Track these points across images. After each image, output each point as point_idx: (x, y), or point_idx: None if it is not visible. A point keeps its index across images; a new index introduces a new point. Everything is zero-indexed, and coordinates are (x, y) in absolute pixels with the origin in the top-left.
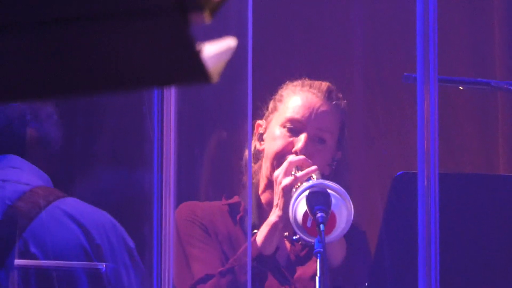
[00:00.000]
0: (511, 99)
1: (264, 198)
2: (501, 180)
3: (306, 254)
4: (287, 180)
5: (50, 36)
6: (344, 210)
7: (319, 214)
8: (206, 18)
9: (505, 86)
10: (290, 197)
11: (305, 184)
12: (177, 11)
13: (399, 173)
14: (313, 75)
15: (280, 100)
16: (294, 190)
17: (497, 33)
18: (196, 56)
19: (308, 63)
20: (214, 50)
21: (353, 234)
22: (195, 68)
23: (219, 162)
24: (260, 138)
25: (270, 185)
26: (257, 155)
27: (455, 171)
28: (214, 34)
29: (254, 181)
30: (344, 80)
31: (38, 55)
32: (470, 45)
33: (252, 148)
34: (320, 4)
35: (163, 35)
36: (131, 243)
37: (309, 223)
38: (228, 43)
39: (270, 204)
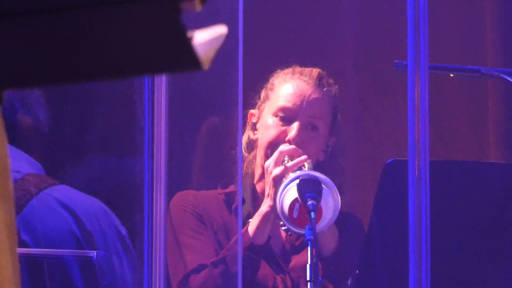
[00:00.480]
0: (502, 86)
1: (259, 187)
2: (491, 167)
3: (301, 243)
4: (278, 170)
5: (39, 24)
6: (330, 201)
7: (309, 202)
8: (197, 5)
9: (495, 73)
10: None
11: (292, 175)
12: None
13: (389, 160)
14: (305, 63)
15: (271, 89)
16: (284, 179)
17: (488, 20)
18: (187, 43)
19: (300, 51)
20: (205, 38)
21: (350, 222)
22: (186, 55)
23: (211, 150)
24: (254, 128)
25: (265, 174)
26: (251, 145)
27: (446, 159)
28: (205, 21)
29: (249, 170)
30: (336, 67)
31: (27, 43)
32: (461, 32)
33: (246, 138)
34: None
35: (154, 22)
36: (123, 231)
37: (295, 214)
38: (219, 30)
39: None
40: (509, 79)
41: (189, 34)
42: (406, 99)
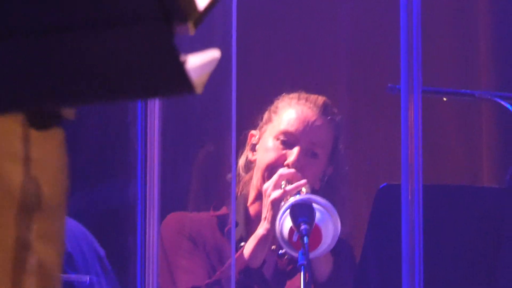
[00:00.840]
0: (496, 110)
1: (252, 209)
2: (485, 191)
3: (293, 268)
4: (276, 193)
5: (30, 47)
6: (330, 225)
7: (302, 226)
8: (191, 29)
9: (489, 97)
10: (279, 210)
11: (292, 199)
12: (161, 22)
13: (383, 184)
14: (298, 86)
15: (275, 112)
16: (282, 203)
17: (482, 44)
18: (180, 67)
19: (293, 74)
20: (198, 62)
21: (341, 248)
22: (179, 79)
23: (204, 172)
24: (253, 149)
25: (259, 196)
26: (249, 166)
27: (439, 183)
28: (198, 45)
29: (243, 192)
30: (329, 90)
31: (19, 66)
32: (455, 56)
33: (244, 158)
34: (306, 14)
35: (147, 45)
36: (102, 252)
37: (295, 238)
38: (212, 54)
39: (258, 216)
40: (503, 103)
41: (182, 58)
42: (399, 123)
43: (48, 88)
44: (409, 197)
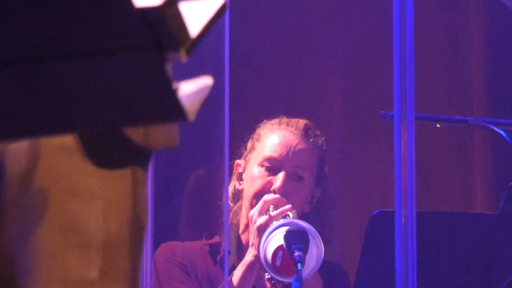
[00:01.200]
0: (489, 136)
1: (244, 238)
2: (478, 218)
3: None
4: (262, 219)
5: (21, 75)
6: (314, 249)
7: (296, 253)
8: (183, 56)
9: (482, 123)
10: None
11: (276, 223)
12: (153, 50)
13: (376, 211)
14: (291, 113)
15: (258, 139)
16: (268, 228)
17: (475, 70)
18: (172, 95)
19: (286, 101)
20: (191, 89)
21: (335, 272)
22: (171, 106)
23: (197, 201)
24: (240, 178)
25: (249, 224)
26: (237, 195)
27: (433, 209)
28: (191, 72)
29: (234, 221)
30: (322, 118)
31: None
32: (448, 83)
33: (232, 188)
34: (298, 41)
35: (140, 73)
36: None
37: (278, 262)
38: (205, 81)
39: None
40: (496, 129)
41: (174, 85)
42: (393, 149)
43: (39, 117)
44: (403, 224)
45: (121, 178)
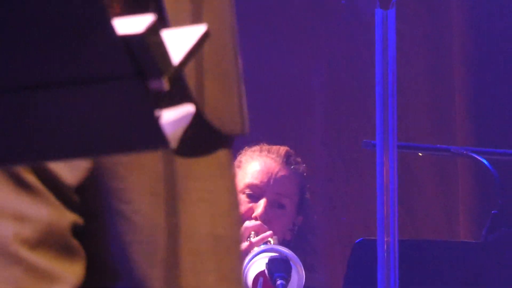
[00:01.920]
0: (472, 165)
1: None
2: (461, 246)
3: None
4: (243, 246)
5: (5, 104)
6: (295, 276)
7: (279, 282)
8: (165, 84)
9: (465, 152)
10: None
11: (257, 249)
12: (135, 78)
13: (358, 239)
14: (274, 142)
15: (239, 166)
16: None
17: (457, 99)
18: (154, 122)
19: (268, 130)
20: (173, 116)
21: None
22: (153, 134)
23: None
24: None
25: None
26: None
27: (415, 238)
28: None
29: None
30: (305, 146)
31: None
32: (430, 111)
33: None
34: (281, 68)
35: (122, 101)
36: None
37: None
38: (187, 109)
39: None
40: (479, 158)
41: (156, 113)
42: (375, 177)
43: (20, 146)
44: (385, 252)
45: (218, 175)
